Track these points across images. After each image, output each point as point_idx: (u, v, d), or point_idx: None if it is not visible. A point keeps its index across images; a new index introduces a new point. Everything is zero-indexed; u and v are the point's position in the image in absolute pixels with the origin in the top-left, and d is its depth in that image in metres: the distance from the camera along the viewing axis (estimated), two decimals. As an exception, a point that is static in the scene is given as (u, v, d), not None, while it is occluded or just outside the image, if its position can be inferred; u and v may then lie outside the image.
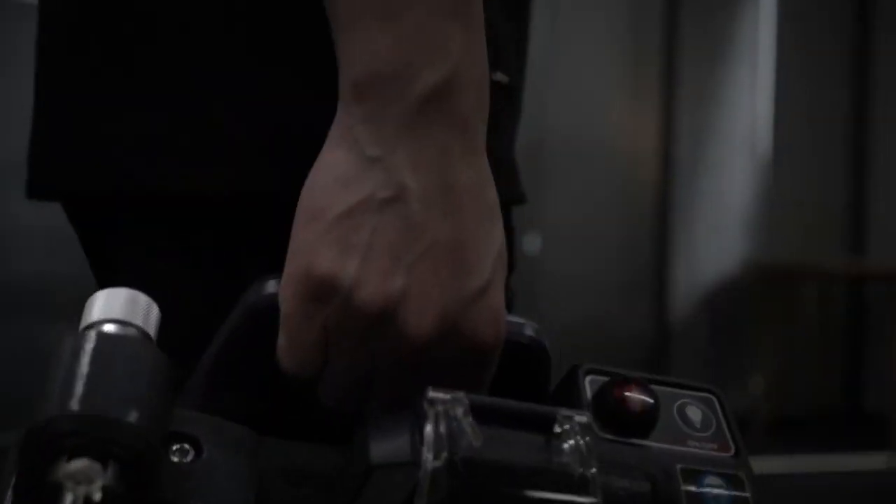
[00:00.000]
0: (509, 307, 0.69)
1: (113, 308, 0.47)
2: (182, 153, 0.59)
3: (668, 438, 0.52)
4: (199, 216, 0.60)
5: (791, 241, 5.13)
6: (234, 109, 0.58)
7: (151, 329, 0.47)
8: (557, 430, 0.47)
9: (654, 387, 0.53)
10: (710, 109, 5.09)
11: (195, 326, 0.54)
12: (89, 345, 0.43)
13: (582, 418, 0.47)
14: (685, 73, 4.99)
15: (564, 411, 0.48)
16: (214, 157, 0.59)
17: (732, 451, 0.53)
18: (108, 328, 0.46)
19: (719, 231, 5.10)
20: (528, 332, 0.55)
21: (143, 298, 0.48)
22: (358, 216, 0.49)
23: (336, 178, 0.50)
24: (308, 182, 0.51)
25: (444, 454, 0.45)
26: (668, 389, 0.54)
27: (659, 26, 4.95)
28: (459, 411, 0.46)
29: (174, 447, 0.47)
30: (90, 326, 0.46)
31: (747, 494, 0.51)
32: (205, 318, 0.54)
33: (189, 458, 0.47)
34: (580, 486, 0.46)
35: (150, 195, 0.60)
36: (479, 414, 0.46)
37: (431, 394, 0.46)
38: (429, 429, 0.45)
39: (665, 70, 4.97)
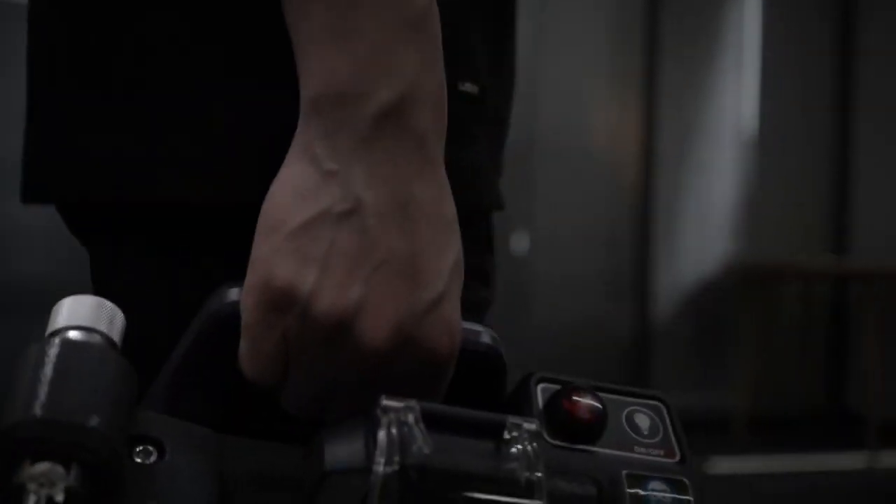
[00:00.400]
0: (484, 311, 0.71)
1: (78, 315, 0.48)
2: (181, 163, 0.60)
3: (616, 445, 0.54)
4: (198, 221, 0.61)
5: (774, 241, 5.14)
6: (230, 118, 0.59)
7: (116, 335, 0.48)
8: (507, 436, 0.49)
9: (603, 395, 0.55)
10: (694, 109, 5.09)
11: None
12: (53, 351, 0.45)
13: (531, 425, 0.49)
14: (669, 73, 4.99)
15: (513, 419, 0.49)
16: (212, 167, 0.59)
17: (678, 458, 0.55)
18: (73, 335, 0.47)
19: (703, 231, 5.10)
20: (485, 339, 0.56)
21: (108, 305, 0.49)
22: (316, 229, 0.51)
23: (295, 190, 0.52)
24: (269, 194, 0.53)
25: (396, 460, 0.46)
26: (618, 397, 0.56)
27: (642, 25, 4.95)
28: (411, 418, 0.47)
29: (137, 449, 0.47)
30: (55, 333, 0.47)
31: (690, 499, 0.53)
32: None
33: (152, 459, 0.47)
34: (526, 491, 0.48)
35: (149, 204, 0.61)
36: (431, 421, 0.47)
37: (385, 402, 0.47)
38: (381, 435, 0.46)
39: (648, 69, 4.98)
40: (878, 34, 5.24)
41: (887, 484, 4.15)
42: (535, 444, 0.48)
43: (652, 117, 5.00)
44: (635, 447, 0.54)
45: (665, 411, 0.57)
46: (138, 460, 0.47)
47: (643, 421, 0.56)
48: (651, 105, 5.00)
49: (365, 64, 0.51)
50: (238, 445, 0.52)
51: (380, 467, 0.46)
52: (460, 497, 0.47)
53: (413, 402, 0.47)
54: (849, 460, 4.32)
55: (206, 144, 0.59)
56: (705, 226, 5.11)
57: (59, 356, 0.45)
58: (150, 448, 0.48)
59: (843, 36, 5.28)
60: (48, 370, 0.44)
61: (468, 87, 0.66)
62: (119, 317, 0.49)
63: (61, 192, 0.64)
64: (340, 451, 0.48)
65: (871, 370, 4.60)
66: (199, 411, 0.52)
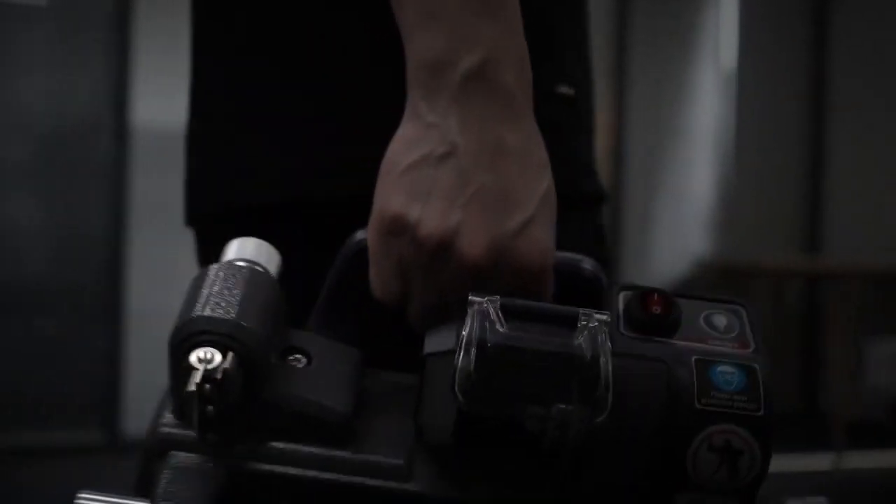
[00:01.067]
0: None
1: (243, 250, 0.61)
2: (321, 168, 0.76)
3: (690, 338, 0.57)
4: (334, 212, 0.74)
5: (747, 240, 5.15)
6: (374, 125, 0.70)
7: (273, 269, 0.61)
8: (579, 325, 0.55)
9: (683, 299, 0.59)
10: (666, 108, 5.11)
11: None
12: (219, 272, 0.57)
13: (602, 316, 0.56)
14: (640, 71, 5.00)
15: (586, 310, 0.56)
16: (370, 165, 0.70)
17: (752, 349, 0.57)
18: (238, 264, 0.59)
19: (675, 230, 5.12)
20: (587, 265, 0.65)
21: (267, 245, 0.62)
22: (420, 169, 0.62)
23: (405, 141, 0.63)
24: (388, 147, 0.64)
25: (475, 341, 0.54)
26: (698, 302, 0.60)
27: (612, 22, 4.96)
28: (492, 309, 0.55)
29: (291, 357, 0.59)
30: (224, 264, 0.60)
31: (759, 382, 0.55)
32: None
33: (301, 364, 0.59)
34: (592, 368, 0.53)
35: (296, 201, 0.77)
36: (511, 312, 0.56)
37: (471, 297, 0.56)
38: (467, 321, 0.55)
39: (619, 68, 4.99)
40: (852, 35, 5.26)
41: (854, 485, 4.17)
42: (604, 331, 0.55)
43: (623, 116, 5.00)
44: (709, 340, 0.57)
45: (744, 313, 0.60)
46: (291, 365, 0.58)
47: (720, 321, 0.59)
48: (622, 103, 4.99)
49: (451, 38, 0.63)
50: (375, 370, 0.63)
51: (462, 347, 0.54)
52: (531, 372, 0.54)
53: (496, 297, 0.56)
54: (817, 461, 4.33)
55: (364, 148, 0.71)
56: (677, 225, 5.12)
57: (224, 276, 0.57)
58: (300, 356, 0.59)
59: (819, 35, 5.29)
60: (214, 284, 0.56)
61: (564, 89, 0.79)
62: (276, 255, 0.62)
63: (228, 199, 0.80)
64: (436, 338, 0.58)
65: (838, 369, 4.61)
66: (347, 336, 0.63)
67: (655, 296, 0.58)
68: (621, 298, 0.59)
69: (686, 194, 5.17)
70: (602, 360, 0.53)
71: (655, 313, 0.57)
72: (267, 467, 0.55)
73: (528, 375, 0.54)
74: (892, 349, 4.91)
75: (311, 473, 0.55)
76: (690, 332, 0.57)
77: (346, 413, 0.57)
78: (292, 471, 0.55)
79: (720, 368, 0.55)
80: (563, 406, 0.53)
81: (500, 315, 0.55)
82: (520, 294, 0.59)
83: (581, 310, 0.56)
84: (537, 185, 0.63)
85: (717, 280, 4.98)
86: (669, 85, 5.13)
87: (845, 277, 4.78)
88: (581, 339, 0.54)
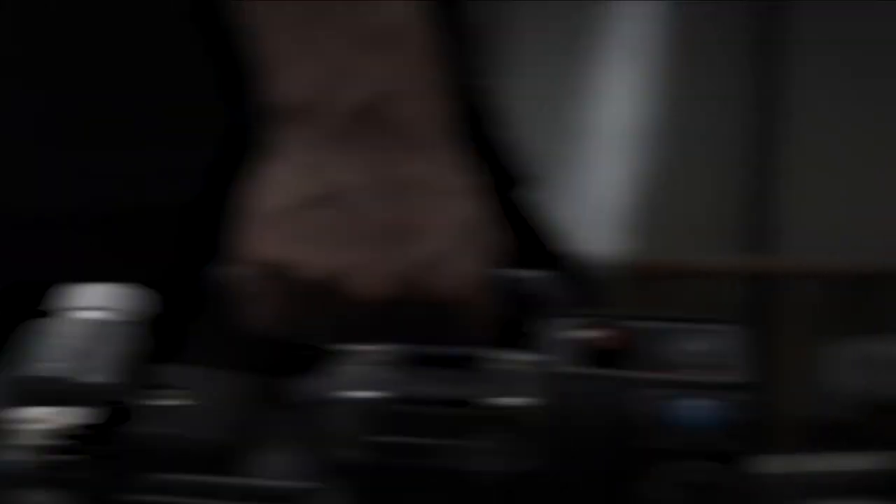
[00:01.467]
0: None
1: (92, 298, 0.60)
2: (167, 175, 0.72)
3: (652, 368, 0.55)
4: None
5: (673, 240, 5.10)
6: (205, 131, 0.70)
7: (128, 312, 0.60)
8: (478, 367, 0.56)
9: (656, 322, 0.57)
10: (561, 103, 5.03)
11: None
12: (59, 325, 0.58)
13: (512, 356, 0.57)
14: (528, 66, 4.88)
15: (483, 352, 0.57)
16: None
17: (726, 377, 0.55)
18: (84, 314, 0.59)
19: (579, 232, 5.04)
20: (533, 284, 0.63)
21: (121, 289, 0.60)
22: (295, 211, 0.60)
23: (271, 182, 0.61)
24: (248, 189, 0.62)
25: (365, 395, 0.55)
26: (674, 323, 0.57)
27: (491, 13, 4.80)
28: (383, 360, 0.56)
29: (162, 393, 0.59)
30: (65, 311, 0.60)
31: (726, 412, 0.53)
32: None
33: (174, 402, 0.59)
34: (485, 411, 0.54)
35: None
36: (404, 361, 0.56)
37: (359, 347, 0.57)
38: (354, 374, 0.56)
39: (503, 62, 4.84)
40: (804, 20, 5.15)
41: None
42: (500, 371, 0.55)
43: (508, 114, 4.91)
44: (678, 369, 0.55)
45: (730, 335, 0.57)
46: (165, 403, 0.59)
47: (697, 345, 0.56)
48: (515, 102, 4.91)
49: (328, 76, 0.61)
50: (252, 381, 0.62)
51: (349, 401, 0.55)
52: (419, 423, 0.54)
53: (389, 347, 0.57)
54: (768, 464, 4.29)
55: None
56: (583, 227, 4.97)
57: (62, 329, 0.58)
58: (172, 392, 0.59)
59: (767, 21, 5.20)
60: (51, 338, 0.57)
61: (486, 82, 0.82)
62: (131, 296, 0.60)
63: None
64: (321, 384, 0.57)
65: (792, 372, 4.58)
66: (228, 361, 0.62)
67: (602, 328, 0.56)
68: (575, 327, 0.57)
69: (592, 194, 5.13)
70: (496, 404, 0.54)
71: (608, 347, 0.56)
72: (147, 498, 0.56)
73: (418, 429, 0.54)
74: (852, 351, 4.88)
75: (196, 502, 0.56)
76: (655, 361, 0.56)
77: (226, 441, 0.58)
78: (176, 500, 0.56)
79: (682, 402, 0.54)
80: (470, 450, 0.54)
81: (389, 366, 0.56)
82: (445, 321, 0.61)
83: (475, 352, 0.57)
84: (450, 215, 0.61)
85: (642, 280, 4.81)
86: (566, 80, 5.04)
87: (798, 278, 4.79)
88: (471, 385, 0.55)
